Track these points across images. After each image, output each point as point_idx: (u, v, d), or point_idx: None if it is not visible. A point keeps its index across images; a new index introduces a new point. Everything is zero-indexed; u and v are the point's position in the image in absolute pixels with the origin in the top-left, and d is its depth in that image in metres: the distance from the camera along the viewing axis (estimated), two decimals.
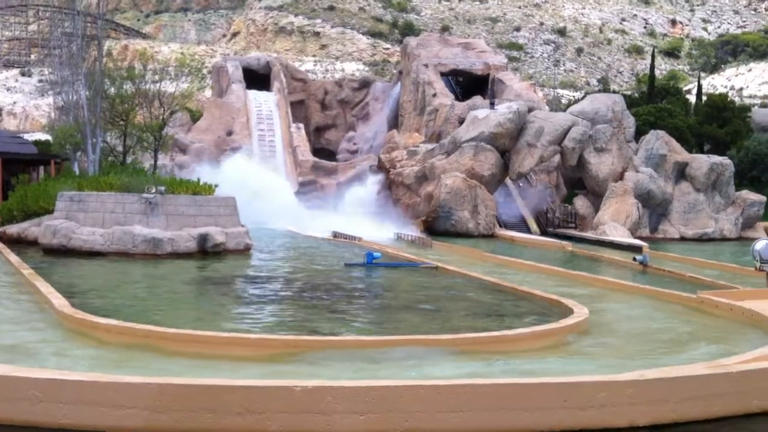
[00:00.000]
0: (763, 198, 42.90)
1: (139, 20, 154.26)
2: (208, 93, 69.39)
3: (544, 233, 36.35)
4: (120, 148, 31.06)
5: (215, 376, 7.37)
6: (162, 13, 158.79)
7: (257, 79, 69.97)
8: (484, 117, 39.53)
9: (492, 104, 44.53)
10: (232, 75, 67.90)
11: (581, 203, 39.25)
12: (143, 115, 30.46)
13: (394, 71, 78.24)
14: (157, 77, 31.56)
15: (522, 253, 26.08)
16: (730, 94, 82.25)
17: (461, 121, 44.56)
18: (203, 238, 21.84)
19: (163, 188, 22.25)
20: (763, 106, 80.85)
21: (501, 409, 6.46)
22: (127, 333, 9.74)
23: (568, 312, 11.86)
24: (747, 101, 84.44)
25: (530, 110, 41.21)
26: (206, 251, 21.77)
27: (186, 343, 9.25)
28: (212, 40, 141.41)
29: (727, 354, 8.87)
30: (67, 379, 6.45)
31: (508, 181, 41.05)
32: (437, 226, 35.20)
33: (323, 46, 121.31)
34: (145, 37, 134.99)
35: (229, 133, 62.94)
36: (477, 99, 53.79)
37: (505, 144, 38.73)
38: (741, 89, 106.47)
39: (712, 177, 40.76)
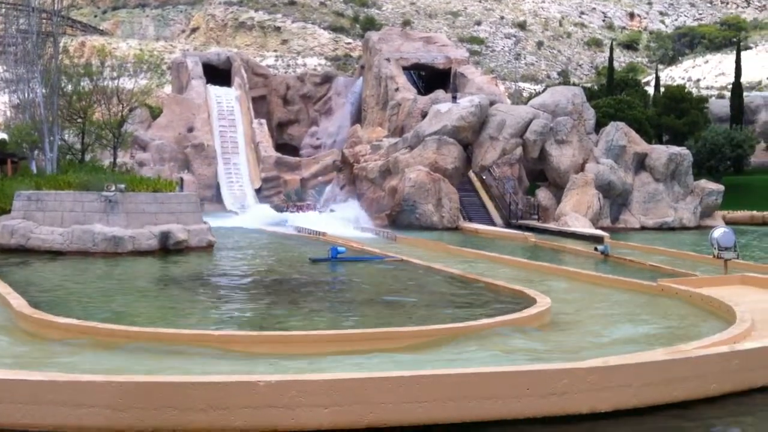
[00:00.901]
0: (720, 187, 43.69)
1: (96, 16, 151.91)
2: (167, 89, 68.64)
3: (507, 225, 36.60)
4: (78, 146, 30.59)
5: (179, 373, 7.30)
6: (119, 9, 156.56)
7: (218, 74, 69.37)
8: (446, 111, 39.67)
9: (454, 98, 44.68)
10: (192, 71, 67.25)
11: (543, 195, 39.61)
12: (102, 112, 30.03)
13: (356, 66, 78.14)
14: (115, 74, 31.12)
15: (486, 245, 26.22)
16: (687, 86, 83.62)
17: (424, 115, 44.67)
18: (165, 236, 21.61)
19: (123, 186, 21.98)
20: (719, 97, 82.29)
21: (465, 398, 6.50)
22: (88, 332, 9.60)
23: (531, 302, 11.96)
24: (704, 92, 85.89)
25: (492, 104, 41.47)
26: (168, 249, 21.54)
27: (149, 341, 9.15)
28: (171, 36, 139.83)
29: (686, 340, 9.01)
30: (25, 379, 6.34)
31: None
32: (402, 220, 35.27)
33: (284, 41, 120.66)
34: (102, 33, 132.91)
35: (190, 130, 62.36)
36: (439, 93, 53.95)
37: (468, 137, 38.90)
38: (698, 81, 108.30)
39: (671, 167, 41.40)
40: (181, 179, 45.19)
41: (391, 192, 37.35)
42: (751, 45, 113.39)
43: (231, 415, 6.15)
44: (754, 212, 48.79)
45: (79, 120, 29.66)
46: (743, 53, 76.34)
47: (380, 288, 15.56)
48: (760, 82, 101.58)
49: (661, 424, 6.81)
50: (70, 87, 29.78)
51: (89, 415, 6.12)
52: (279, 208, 42.32)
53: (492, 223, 37.20)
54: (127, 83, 31.03)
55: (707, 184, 43.35)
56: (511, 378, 6.71)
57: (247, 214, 41.34)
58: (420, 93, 58.61)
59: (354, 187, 41.69)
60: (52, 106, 28.07)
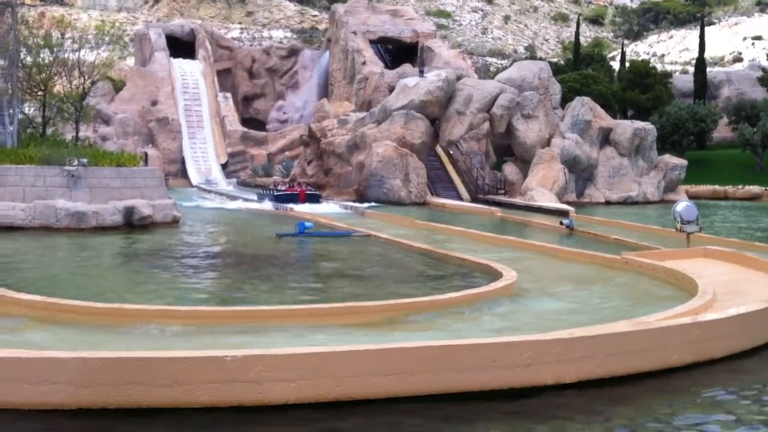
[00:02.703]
0: (684, 162, 44.29)
1: None
2: (130, 61, 67.47)
3: (474, 200, 36.76)
4: (39, 120, 29.99)
5: (144, 348, 7.23)
6: None
7: (181, 47, 68.41)
8: (413, 85, 39.56)
9: (421, 72, 44.56)
10: (155, 43, 66.21)
11: (510, 170, 39.80)
12: (63, 84, 29.42)
13: (323, 39, 77.43)
14: (76, 46, 30.46)
15: (453, 219, 26.32)
16: (652, 61, 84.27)
17: (391, 90, 44.53)
18: (129, 211, 21.37)
19: (85, 160, 21.64)
20: (683, 72, 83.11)
21: (431, 370, 6.53)
22: (51, 308, 9.47)
23: (497, 275, 12.04)
24: (668, 68, 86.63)
25: (459, 78, 41.43)
26: (133, 224, 21.32)
27: (114, 317, 9.05)
28: (134, 7, 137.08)
29: (649, 311, 9.14)
30: None
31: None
32: (369, 195, 35.25)
33: (249, 13, 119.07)
34: (62, 4, 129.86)
35: (154, 103, 61.53)
36: (407, 67, 53.80)
37: (435, 112, 38.87)
38: (663, 56, 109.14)
39: (636, 142, 41.82)
40: (146, 154, 44.72)
41: (359, 167, 37.26)
42: (715, 21, 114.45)
43: (197, 391, 6.11)
44: (717, 186, 49.57)
45: (40, 93, 29.04)
46: (707, 29, 77.08)
47: (347, 263, 15.55)
48: (723, 58, 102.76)
49: (623, 393, 6.91)
50: (29, 59, 29.11)
51: (52, 391, 6.05)
52: (261, 196, 36.45)
53: (459, 197, 37.35)
54: (88, 55, 30.40)
55: (671, 159, 43.91)
56: (477, 350, 6.75)
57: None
58: (387, 67, 58.41)
59: (321, 162, 41.49)
60: (11, 78, 27.41)
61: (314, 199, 34.04)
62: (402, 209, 31.24)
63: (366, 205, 32.54)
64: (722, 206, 40.16)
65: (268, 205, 33.07)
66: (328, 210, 30.09)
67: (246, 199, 37.21)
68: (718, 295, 9.89)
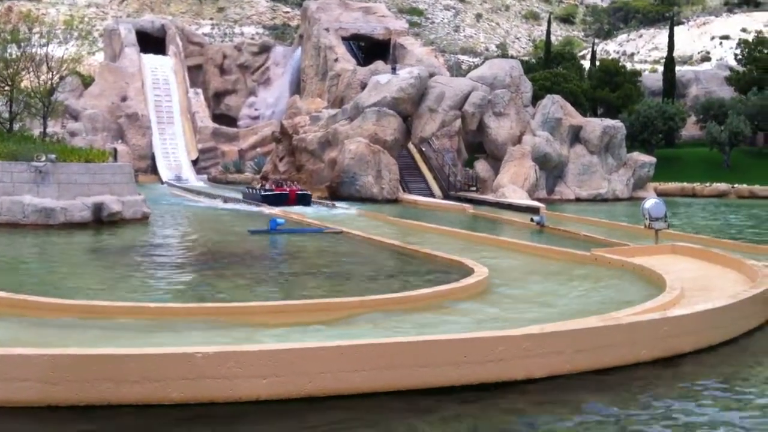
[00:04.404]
0: (652, 159, 44.80)
1: None
2: (99, 57, 66.64)
3: (446, 197, 36.86)
4: (6, 115, 29.53)
5: (113, 345, 7.17)
6: None
7: (152, 43, 67.80)
8: (386, 82, 39.57)
9: (393, 69, 44.57)
10: (125, 38, 65.53)
11: (482, 167, 39.97)
12: (30, 79, 29.00)
13: (295, 35, 77.14)
14: (44, 40, 30.04)
15: (425, 216, 26.38)
16: (621, 60, 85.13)
17: (363, 86, 44.46)
18: (98, 207, 21.16)
19: (53, 156, 21.36)
20: (652, 71, 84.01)
21: (402, 366, 6.56)
22: (18, 305, 9.34)
23: (468, 272, 12.09)
24: (638, 66, 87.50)
25: (431, 75, 41.51)
26: (102, 221, 21.10)
27: (82, 314, 8.95)
28: (103, 2, 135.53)
29: (618, 307, 9.24)
30: None
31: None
32: (342, 192, 35.18)
33: (220, 9, 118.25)
34: None
35: (124, 99, 60.92)
36: (379, 64, 53.74)
37: (407, 109, 38.91)
38: (632, 55, 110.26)
39: (605, 140, 42.22)
40: (115, 150, 44.22)
41: (331, 164, 37.19)
42: (684, 20, 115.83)
43: (168, 387, 6.08)
44: (685, 184, 50.25)
45: (7, 88, 28.61)
46: (676, 28, 78.00)
47: (319, 260, 15.53)
48: (691, 57, 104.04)
49: (591, 389, 6.98)
50: None
51: (21, 389, 5.98)
52: (247, 196, 33.58)
53: (431, 194, 37.43)
54: (57, 50, 29.99)
55: (640, 157, 44.39)
56: (448, 346, 6.79)
57: None
58: (359, 64, 58.30)
59: (293, 159, 41.35)
60: None
61: (305, 200, 31.22)
62: (374, 206, 31.25)
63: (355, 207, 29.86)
64: (690, 203, 40.70)
65: (254, 207, 30.01)
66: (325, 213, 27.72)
67: (226, 199, 34.32)
68: (685, 291, 10.02)
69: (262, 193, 31.54)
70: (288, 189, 31.69)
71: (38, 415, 5.92)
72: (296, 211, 26.46)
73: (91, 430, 5.77)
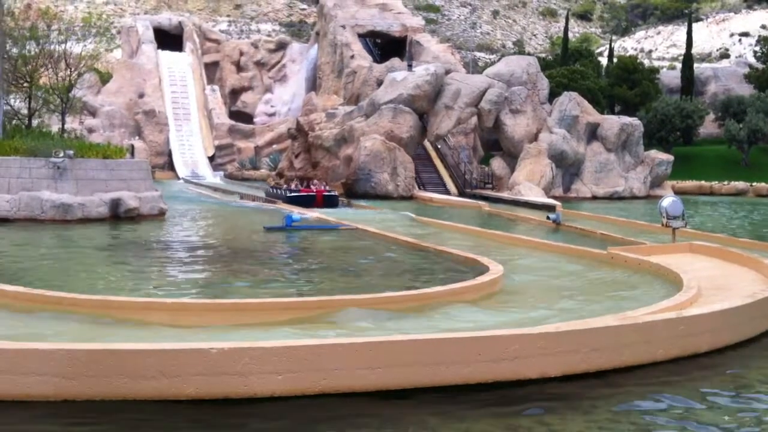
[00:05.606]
0: (670, 157, 44.52)
1: None
2: (118, 54, 67.00)
3: (461, 194, 36.82)
4: (25, 111, 29.77)
5: (129, 340, 7.22)
6: None
7: (169, 39, 68.15)
8: (402, 79, 39.55)
9: (410, 66, 44.54)
10: (142, 35, 65.88)
11: (497, 164, 39.88)
12: (49, 76, 29.21)
13: (311, 32, 77.18)
14: (62, 37, 30.23)
15: (440, 213, 26.35)
16: (639, 57, 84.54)
17: (379, 83, 44.48)
18: (115, 203, 21.30)
19: (71, 152, 21.52)
20: (670, 68, 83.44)
21: (417, 364, 6.55)
22: (36, 300, 9.42)
23: (484, 269, 12.07)
24: (656, 63, 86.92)
25: (447, 72, 41.44)
26: (119, 216, 21.26)
27: (100, 309, 9.02)
28: None
29: (634, 306, 9.19)
30: None
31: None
32: (357, 189, 35.23)
33: (237, 6, 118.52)
34: None
35: (141, 96, 61.25)
36: (395, 61, 53.74)
37: (423, 106, 38.89)
38: (650, 52, 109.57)
39: (623, 137, 41.99)
40: (132, 146, 44.43)
41: (347, 161, 37.23)
42: (702, 17, 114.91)
43: (183, 383, 6.10)
44: (702, 182, 49.90)
45: (26, 84, 28.83)
46: (694, 25, 77.39)
47: (335, 256, 15.55)
48: (710, 54, 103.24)
49: (606, 388, 6.95)
50: (15, 50, 28.89)
51: (37, 383, 6.03)
52: (272, 196, 32.25)
53: (447, 192, 37.42)
54: (75, 47, 30.18)
55: (657, 155, 44.12)
56: (463, 344, 6.78)
57: None
58: (376, 61, 58.30)
59: (309, 156, 41.43)
60: None
61: (332, 201, 29.57)
62: (389, 203, 31.26)
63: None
64: (708, 202, 40.40)
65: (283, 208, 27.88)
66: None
67: (250, 198, 33.06)
68: (702, 290, 9.96)
69: (288, 195, 30.30)
70: (315, 189, 30.35)
71: (55, 409, 5.97)
72: (340, 215, 24.37)
73: (106, 425, 5.81)
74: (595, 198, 39.96)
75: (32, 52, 29.10)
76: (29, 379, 6.03)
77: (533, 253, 15.56)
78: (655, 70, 68.98)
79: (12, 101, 30.47)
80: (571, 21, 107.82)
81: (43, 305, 9.24)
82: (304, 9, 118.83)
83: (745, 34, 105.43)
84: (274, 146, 60.90)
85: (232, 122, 63.49)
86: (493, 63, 58.71)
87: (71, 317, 8.77)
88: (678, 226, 15.54)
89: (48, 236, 17.83)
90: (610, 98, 62.31)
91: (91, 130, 51.95)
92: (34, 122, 29.40)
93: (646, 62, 78.58)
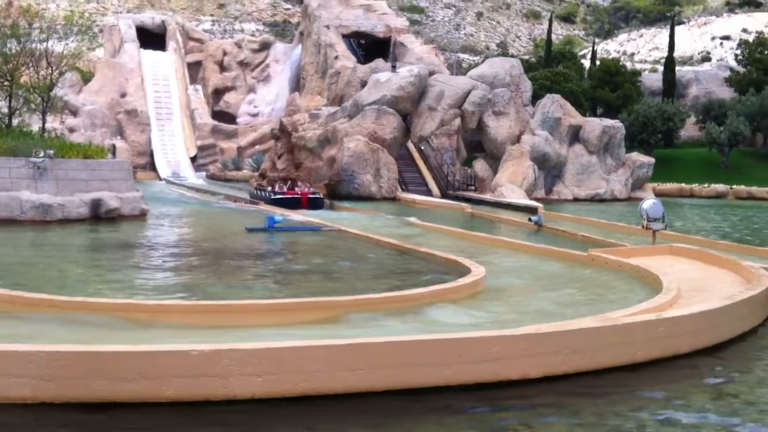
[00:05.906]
0: (651, 160, 44.82)
1: None
2: (99, 53, 66.52)
3: (444, 196, 36.87)
4: (5, 110, 29.49)
5: (109, 342, 7.16)
6: None
7: (152, 38, 67.75)
8: (386, 80, 39.55)
9: (393, 67, 44.55)
10: (125, 34, 65.49)
11: (480, 166, 39.97)
12: (30, 75, 28.94)
13: (296, 32, 77.05)
14: (44, 36, 29.97)
15: (423, 215, 26.37)
16: (621, 59, 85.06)
17: (363, 84, 44.46)
18: (96, 204, 21.16)
19: (52, 152, 21.35)
20: (652, 71, 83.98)
21: (398, 365, 6.55)
22: (13, 301, 9.32)
23: (465, 271, 12.09)
24: (638, 66, 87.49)
25: (431, 74, 41.49)
26: (100, 217, 21.12)
27: (77, 310, 8.94)
28: None
29: (614, 308, 9.23)
30: None
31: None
32: (340, 190, 35.18)
33: (221, 6, 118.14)
34: None
35: (123, 95, 60.88)
36: (379, 62, 53.75)
37: (407, 107, 38.91)
38: (632, 54, 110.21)
39: (604, 140, 42.22)
40: (114, 146, 44.23)
41: (330, 162, 37.18)
42: (684, 20, 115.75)
43: (163, 385, 6.07)
44: (683, 185, 50.27)
45: (6, 83, 28.56)
46: (677, 28, 77.98)
47: (317, 258, 15.52)
48: (691, 57, 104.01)
49: (587, 389, 6.98)
50: None
51: (15, 385, 5.97)
52: (257, 198, 31.79)
53: (429, 193, 37.45)
54: (56, 46, 29.92)
55: (638, 157, 44.40)
56: (444, 345, 6.78)
57: None
58: (360, 62, 58.29)
59: (292, 156, 41.33)
60: None
61: (317, 203, 29.37)
62: (372, 204, 31.24)
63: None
64: (688, 204, 40.71)
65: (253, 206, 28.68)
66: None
67: (235, 198, 32.88)
68: (682, 292, 10.02)
69: (273, 197, 30.01)
70: (300, 192, 30.11)
71: (33, 412, 5.91)
72: (333, 218, 23.73)
73: (85, 427, 5.76)
74: (576, 200, 40.16)
75: (13, 51, 28.82)
76: (8, 381, 5.97)
77: (515, 255, 15.60)
78: (637, 73, 69.46)
79: None
80: (555, 23, 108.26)
81: (20, 306, 9.15)
82: (288, 9, 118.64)
83: (727, 38, 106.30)
84: (257, 147, 60.72)
85: (215, 122, 63.26)
86: (476, 65, 58.87)
87: (50, 318, 8.69)
88: (658, 228, 15.62)
89: (28, 237, 17.67)
90: (592, 100, 62.66)
91: (72, 130, 51.56)
92: (15, 121, 29.12)
93: (629, 65, 79.05)
